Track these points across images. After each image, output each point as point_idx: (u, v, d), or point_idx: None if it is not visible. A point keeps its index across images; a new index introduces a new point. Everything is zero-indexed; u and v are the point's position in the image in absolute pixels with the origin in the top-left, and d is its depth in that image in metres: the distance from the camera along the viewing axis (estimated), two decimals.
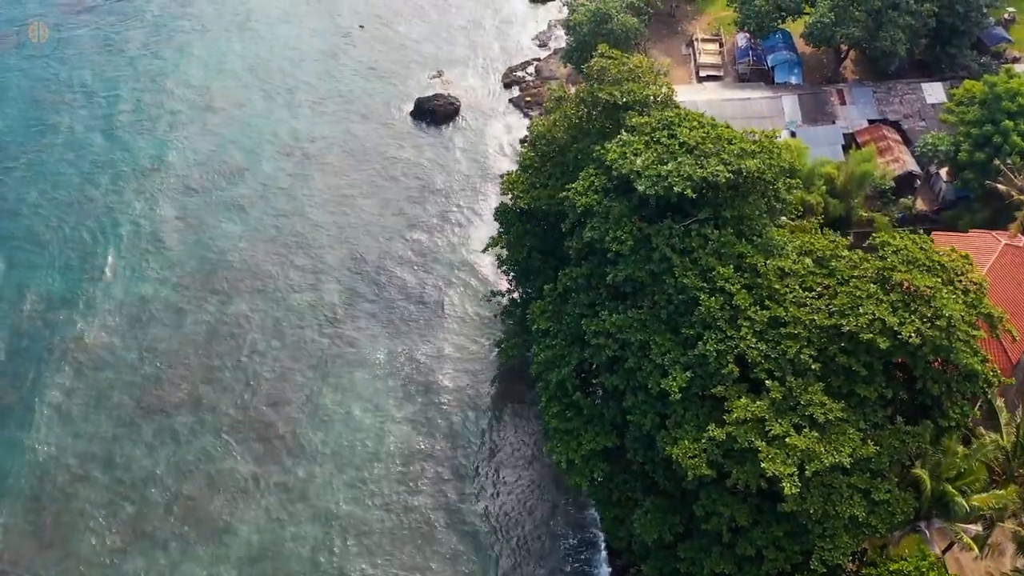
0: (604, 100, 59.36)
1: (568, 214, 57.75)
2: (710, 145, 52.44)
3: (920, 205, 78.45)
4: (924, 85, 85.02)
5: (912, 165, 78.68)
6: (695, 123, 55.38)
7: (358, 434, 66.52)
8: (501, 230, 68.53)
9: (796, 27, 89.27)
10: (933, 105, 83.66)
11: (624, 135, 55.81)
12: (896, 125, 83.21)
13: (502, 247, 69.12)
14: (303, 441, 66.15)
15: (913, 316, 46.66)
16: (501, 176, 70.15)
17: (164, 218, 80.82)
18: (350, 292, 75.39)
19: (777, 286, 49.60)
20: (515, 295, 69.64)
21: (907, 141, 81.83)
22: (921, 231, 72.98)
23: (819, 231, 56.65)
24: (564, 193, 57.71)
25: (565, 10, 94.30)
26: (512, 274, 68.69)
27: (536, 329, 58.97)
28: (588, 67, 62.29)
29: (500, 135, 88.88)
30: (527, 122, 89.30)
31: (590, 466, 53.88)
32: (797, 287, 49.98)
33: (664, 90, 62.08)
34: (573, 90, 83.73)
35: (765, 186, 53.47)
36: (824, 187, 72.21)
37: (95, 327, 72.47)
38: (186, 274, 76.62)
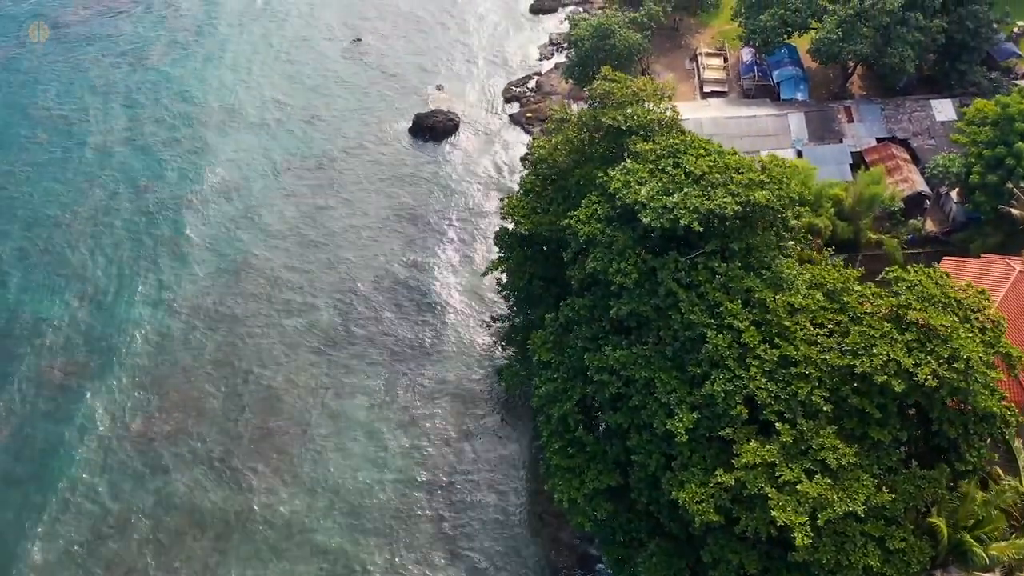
0: (607, 125, 57.52)
1: (570, 242, 56.07)
2: (717, 175, 50.65)
3: (930, 226, 76.59)
4: (933, 102, 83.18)
5: (922, 185, 76.85)
6: (701, 150, 53.60)
7: (354, 466, 64.67)
8: (501, 255, 66.75)
9: (802, 41, 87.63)
10: (943, 123, 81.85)
11: (628, 163, 54.02)
12: (905, 143, 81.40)
13: (502, 271, 67.40)
14: (298, 472, 64.32)
15: (929, 357, 44.82)
16: (501, 199, 68.43)
17: (154, 239, 78.93)
18: (345, 316, 73.56)
19: (787, 323, 47.78)
20: (516, 321, 67.81)
21: (916, 160, 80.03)
22: (931, 253, 73.69)
23: (828, 261, 54.52)
24: (566, 221, 55.97)
25: (567, 24, 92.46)
26: (512, 300, 66.90)
27: (537, 360, 57.14)
28: (591, 89, 60.45)
29: (500, 153, 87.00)
30: (527, 139, 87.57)
31: (592, 505, 51.97)
32: (808, 323, 48.16)
33: (669, 113, 60.37)
34: (575, 108, 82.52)
35: (774, 215, 51.70)
36: (832, 209, 70.46)
37: (81, 352, 70.61)
38: (176, 298, 74.80)
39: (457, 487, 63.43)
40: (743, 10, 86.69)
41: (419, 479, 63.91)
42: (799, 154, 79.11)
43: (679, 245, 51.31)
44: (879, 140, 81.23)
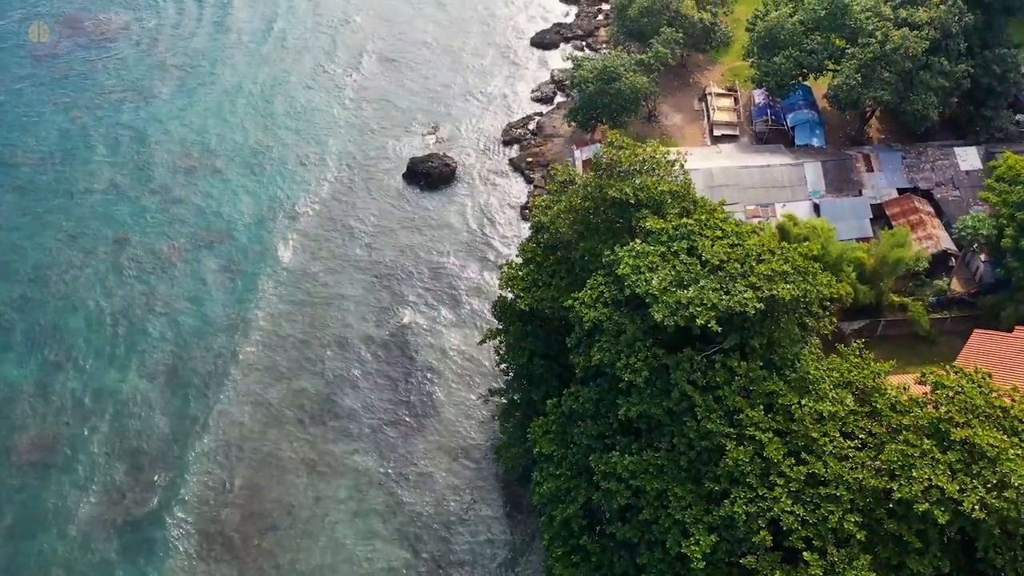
0: (614, 198, 52.92)
1: (574, 326, 51.63)
2: (736, 265, 46.14)
3: (956, 286, 71.93)
4: (957, 149, 78.53)
5: (947, 242, 72.16)
6: (718, 232, 49.13)
7: (342, 552, 60.17)
8: (500, 326, 62.27)
9: (818, 84, 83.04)
10: (967, 172, 77.29)
11: (637, 243, 49.52)
12: (927, 194, 76.78)
13: (500, 342, 62.95)
14: (280, 561, 59.79)
15: (975, 481, 40.33)
16: (500, 267, 63.77)
17: (129, 298, 74.24)
18: (332, 384, 68.87)
19: (815, 434, 43.26)
20: (515, 396, 63.23)
21: (939, 212, 75.41)
22: (958, 319, 69.09)
23: (854, 349, 49.69)
24: (569, 301, 51.53)
25: (569, 61, 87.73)
26: (511, 375, 62.35)
27: (538, 452, 52.77)
28: (595, 157, 55.75)
29: (499, 203, 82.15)
30: (528, 188, 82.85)
31: None
32: (837, 434, 43.67)
33: (680, 178, 55.89)
34: (580, 165, 78.06)
35: (797, 305, 47.14)
36: (854, 274, 65.82)
37: (48, 423, 66.08)
38: (154, 362, 70.22)
39: None
40: (755, 50, 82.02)
41: (410, 570, 59.34)
42: (816, 208, 74.59)
43: (694, 339, 46.83)
44: (900, 191, 76.61)
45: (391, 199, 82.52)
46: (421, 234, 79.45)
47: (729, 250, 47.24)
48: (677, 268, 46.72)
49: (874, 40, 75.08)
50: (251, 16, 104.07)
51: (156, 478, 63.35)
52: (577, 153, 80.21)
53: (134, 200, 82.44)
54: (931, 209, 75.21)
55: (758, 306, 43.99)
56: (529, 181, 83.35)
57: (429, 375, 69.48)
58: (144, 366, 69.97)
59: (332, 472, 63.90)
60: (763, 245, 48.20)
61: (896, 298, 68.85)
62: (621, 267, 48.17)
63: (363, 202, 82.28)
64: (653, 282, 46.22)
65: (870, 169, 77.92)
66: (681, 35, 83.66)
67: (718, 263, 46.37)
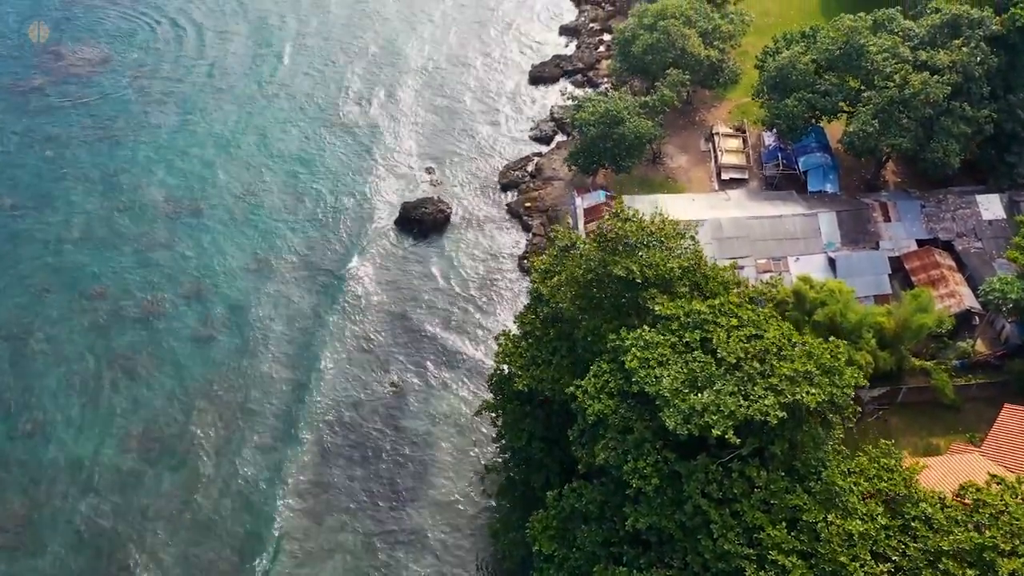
0: (620, 277, 48.82)
1: (576, 416, 47.61)
2: (755, 364, 42.02)
3: (980, 347, 67.86)
4: (979, 197, 74.43)
5: (970, 300, 68.06)
6: (733, 320, 45.02)
7: None
8: (496, 402, 58.15)
9: (832, 126, 79.05)
10: (990, 222, 73.28)
11: (645, 331, 45.46)
12: (948, 245, 72.70)
13: (496, 415, 58.91)
14: None
15: None
16: (496, 336, 59.65)
17: (106, 361, 70.02)
18: (317, 457, 64.63)
19: (843, 558, 39.13)
20: (513, 475, 58.98)
21: (961, 265, 71.35)
22: (984, 385, 65.04)
23: (886, 453, 45.60)
24: (571, 389, 47.55)
25: (568, 99, 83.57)
26: (509, 455, 58.21)
27: (537, 551, 48.76)
28: (599, 232, 51.52)
29: (496, 253, 77.86)
30: (526, 236, 78.64)
31: None
32: (868, 556, 39.55)
33: (690, 249, 51.90)
34: (581, 215, 73.97)
35: (823, 409, 43.10)
36: (874, 340, 61.70)
37: (15, 500, 61.83)
38: (129, 433, 65.99)
39: None
40: (765, 90, 78.02)
41: None
42: (831, 262, 70.56)
43: (707, 441, 42.75)
44: (919, 242, 72.50)
45: (382, 248, 78.35)
46: (413, 287, 75.28)
47: (747, 344, 43.19)
48: (690, 365, 42.72)
49: (892, 84, 71.13)
50: (237, 53, 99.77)
51: (131, 563, 59.27)
52: (578, 200, 76.02)
53: (112, 249, 78.24)
54: (952, 263, 71.15)
55: (780, 415, 39.89)
56: (527, 228, 79.18)
57: (421, 446, 65.38)
58: (117, 435, 65.83)
59: (316, 554, 59.76)
60: (784, 335, 44.11)
61: (917, 362, 64.81)
62: (629, 359, 44.23)
63: (353, 251, 78.01)
64: (664, 381, 42.20)
65: (887, 219, 73.81)
66: (688, 76, 79.41)
67: (735, 361, 42.28)
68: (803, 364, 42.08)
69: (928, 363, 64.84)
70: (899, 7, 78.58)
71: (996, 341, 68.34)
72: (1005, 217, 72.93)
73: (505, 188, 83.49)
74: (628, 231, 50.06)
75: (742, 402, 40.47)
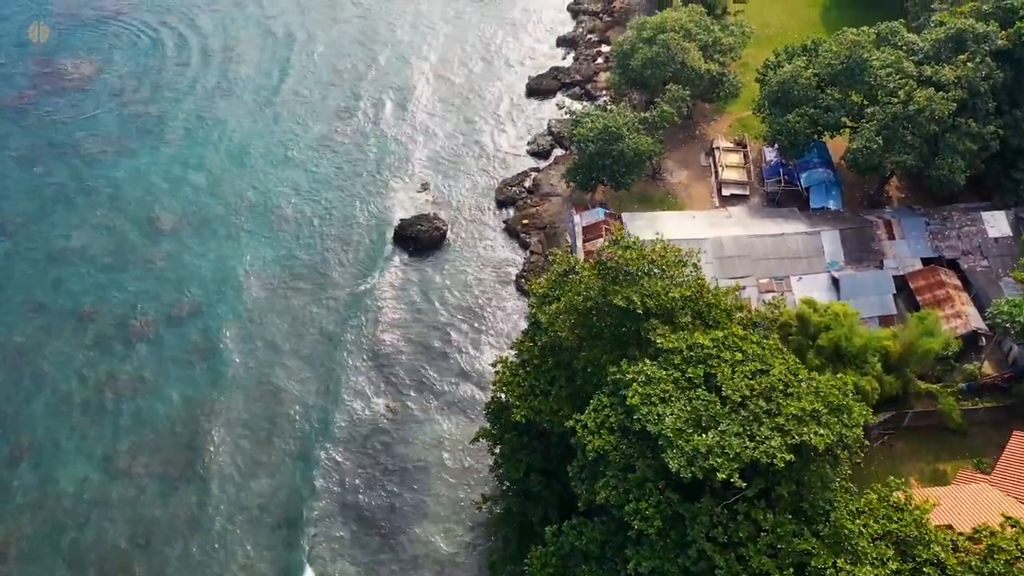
0: (620, 307, 47.44)
1: (576, 451, 46.26)
2: (761, 402, 40.64)
3: (987, 369, 66.51)
4: (985, 214, 73.11)
5: (977, 321, 66.71)
6: (738, 354, 43.62)
7: None
8: (494, 431, 56.75)
9: (834, 142, 77.72)
10: (996, 240, 71.94)
11: (647, 366, 44.08)
12: (954, 264, 71.35)
13: (493, 444, 57.50)
14: None
15: None
16: (494, 363, 58.23)
17: (97, 382, 68.64)
18: (304, 488, 62.89)
19: None
20: (511, 506, 57.58)
21: (967, 284, 70.01)
22: (991, 409, 63.72)
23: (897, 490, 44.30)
24: (571, 423, 46.19)
25: (566, 112, 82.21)
26: (507, 486, 56.81)
27: None
28: (600, 261, 50.12)
29: (493, 271, 76.42)
30: (524, 254, 77.19)
31: None
32: None
33: (692, 277, 50.52)
34: (579, 233, 72.52)
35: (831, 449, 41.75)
36: (879, 364, 60.36)
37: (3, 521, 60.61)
38: (122, 457, 64.50)
39: None
40: (766, 105, 76.62)
41: None
42: (835, 281, 69.19)
43: (712, 483, 41.38)
44: (924, 261, 71.16)
45: (377, 266, 76.90)
46: (407, 307, 73.87)
47: (752, 380, 41.83)
48: (694, 403, 41.34)
49: (896, 99, 69.79)
50: (231, 68, 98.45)
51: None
52: (577, 218, 74.56)
53: (102, 268, 76.81)
54: (958, 282, 69.78)
55: (787, 457, 38.52)
56: (525, 246, 77.75)
57: (416, 472, 63.87)
58: (107, 459, 64.33)
59: None
60: (790, 370, 42.75)
61: (923, 385, 63.48)
62: (630, 395, 42.87)
63: (347, 269, 76.65)
64: (667, 420, 40.83)
65: (892, 236, 72.47)
66: (688, 91, 78.02)
67: (740, 399, 40.92)
68: (810, 402, 40.72)
69: (934, 386, 63.54)
70: (902, 20, 77.22)
71: (1003, 363, 67.02)
72: (1011, 234, 71.68)
73: (502, 205, 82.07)
74: (628, 259, 48.65)
75: (748, 444, 39.12)
